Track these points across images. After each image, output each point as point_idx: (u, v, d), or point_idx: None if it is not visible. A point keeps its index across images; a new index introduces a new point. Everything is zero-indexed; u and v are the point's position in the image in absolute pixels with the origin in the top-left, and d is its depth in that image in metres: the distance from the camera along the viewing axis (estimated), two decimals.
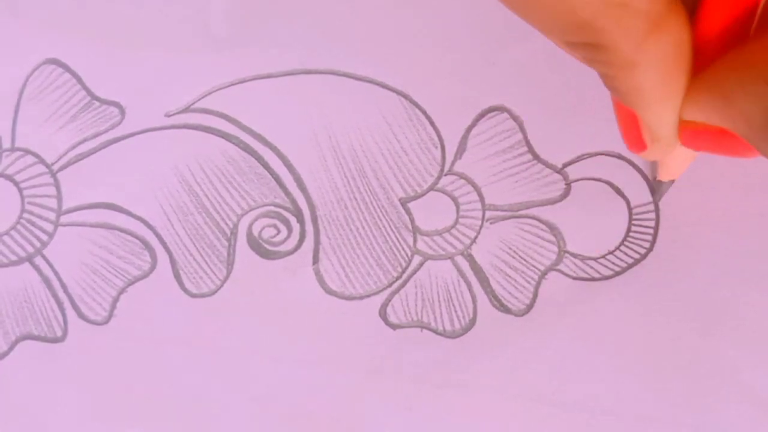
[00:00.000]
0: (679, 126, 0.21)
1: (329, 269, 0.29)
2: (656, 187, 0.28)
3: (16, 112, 0.31)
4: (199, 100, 0.30)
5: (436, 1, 0.29)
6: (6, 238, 0.30)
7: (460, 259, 0.29)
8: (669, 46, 0.19)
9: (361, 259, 0.29)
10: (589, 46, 0.18)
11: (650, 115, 0.21)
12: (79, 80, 0.30)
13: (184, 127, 0.30)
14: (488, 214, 0.29)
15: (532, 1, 0.17)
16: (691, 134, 0.21)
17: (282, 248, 0.30)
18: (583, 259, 0.29)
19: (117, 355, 0.30)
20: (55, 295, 0.30)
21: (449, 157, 0.29)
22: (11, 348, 0.30)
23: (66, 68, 0.31)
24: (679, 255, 0.28)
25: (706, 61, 0.20)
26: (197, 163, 0.30)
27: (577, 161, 0.29)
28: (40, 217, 0.30)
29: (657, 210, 0.28)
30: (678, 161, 0.27)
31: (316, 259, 0.29)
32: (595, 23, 0.18)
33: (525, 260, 0.29)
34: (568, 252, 0.29)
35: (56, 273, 0.30)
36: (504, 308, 0.29)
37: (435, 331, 0.29)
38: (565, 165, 0.29)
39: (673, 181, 0.28)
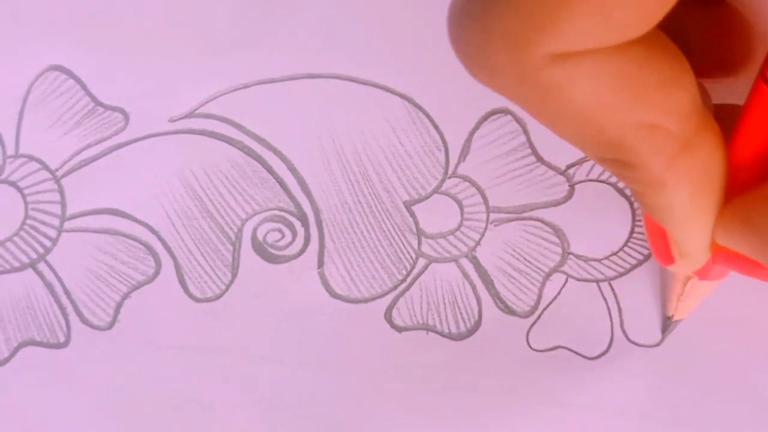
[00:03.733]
0: (712, 248, 0.21)
1: (334, 273, 0.29)
2: (666, 324, 0.28)
3: (20, 118, 0.31)
4: (203, 105, 0.30)
5: (439, 4, 0.29)
6: (9, 244, 0.30)
7: (464, 262, 0.29)
8: (698, 167, 0.18)
9: (365, 263, 0.29)
10: (618, 163, 0.18)
11: (678, 232, 0.20)
12: (83, 86, 0.31)
13: (188, 132, 0.30)
14: (492, 216, 0.29)
15: (562, 119, 0.17)
16: (723, 258, 0.21)
17: (287, 252, 0.30)
18: (587, 260, 0.29)
19: (120, 360, 0.30)
20: (58, 301, 0.30)
21: (453, 160, 0.29)
22: (13, 354, 0.30)
23: (70, 74, 0.31)
24: None
25: (743, 182, 0.20)
26: (201, 168, 0.30)
27: (581, 163, 0.29)
28: (43, 223, 0.30)
29: None
30: (695, 300, 0.27)
31: (320, 263, 0.29)
32: (624, 143, 0.17)
33: (529, 262, 0.29)
34: (572, 253, 0.29)
35: (59, 279, 0.30)
36: (509, 310, 0.29)
37: (440, 334, 0.29)
38: (569, 167, 0.29)
39: (680, 321, 0.28)
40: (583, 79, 0.16)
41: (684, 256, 0.21)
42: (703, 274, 0.24)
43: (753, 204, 0.19)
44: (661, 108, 0.17)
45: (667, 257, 0.22)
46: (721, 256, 0.21)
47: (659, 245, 0.22)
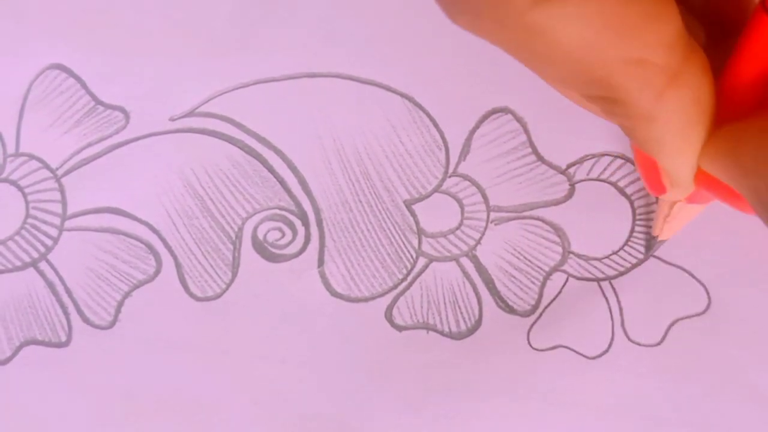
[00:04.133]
0: (696, 173, 0.21)
1: (334, 272, 0.29)
2: (651, 243, 0.28)
3: (21, 117, 0.31)
4: (204, 104, 0.30)
5: None
6: (10, 243, 0.30)
7: (465, 261, 0.29)
8: (687, 99, 0.18)
9: (366, 262, 0.29)
10: (606, 100, 0.18)
11: (669, 163, 0.21)
12: (84, 85, 0.31)
13: (188, 131, 0.30)
14: (493, 215, 0.29)
15: (548, 61, 0.17)
16: (705, 183, 0.21)
17: (287, 251, 0.30)
18: (588, 259, 0.29)
19: (121, 359, 0.30)
20: (59, 300, 0.30)
21: (453, 159, 0.29)
22: (15, 353, 0.30)
23: (70, 73, 0.31)
24: (683, 254, 0.28)
25: (734, 111, 0.19)
26: (202, 167, 0.30)
27: (581, 162, 0.29)
28: (44, 222, 0.30)
29: None
30: (681, 222, 0.27)
31: (321, 262, 0.29)
32: (612, 79, 0.17)
33: (530, 261, 0.29)
34: (572, 252, 0.29)
35: (61, 278, 0.30)
36: (509, 309, 0.29)
37: (441, 333, 0.29)
38: (569, 166, 0.29)
39: (664, 241, 0.28)
40: (567, 20, 0.16)
41: (675, 185, 0.22)
42: (690, 197, 0.24)
43: (739, 134, 0.19)
44: (647, 42, 0.17)
45: (659, 187, 0.22)
46: (704, 181, 0.21)
47: (651, 176, 0.22)
